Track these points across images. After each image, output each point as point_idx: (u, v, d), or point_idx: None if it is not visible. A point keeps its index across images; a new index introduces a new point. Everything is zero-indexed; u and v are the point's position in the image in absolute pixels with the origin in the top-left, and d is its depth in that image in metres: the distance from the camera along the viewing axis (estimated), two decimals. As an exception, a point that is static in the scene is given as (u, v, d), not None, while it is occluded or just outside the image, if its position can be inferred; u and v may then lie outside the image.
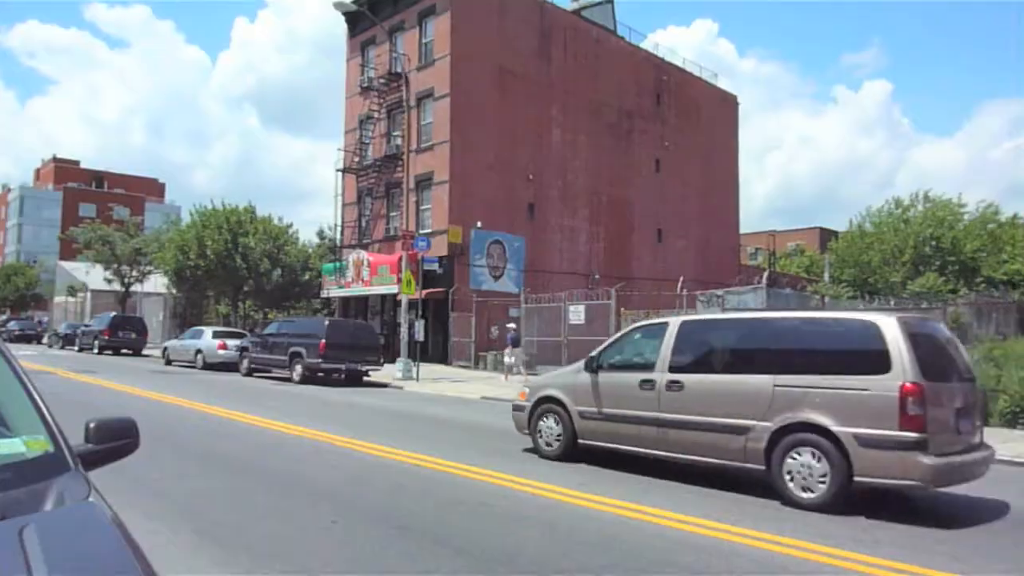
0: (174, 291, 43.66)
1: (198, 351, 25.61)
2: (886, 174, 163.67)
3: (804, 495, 6.57)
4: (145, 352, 33.47)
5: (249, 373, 22.63)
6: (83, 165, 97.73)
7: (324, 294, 35.36)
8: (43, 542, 1.82)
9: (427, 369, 22.96)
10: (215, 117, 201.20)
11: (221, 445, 9.52)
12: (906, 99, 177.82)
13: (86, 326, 36.44)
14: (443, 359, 27.68)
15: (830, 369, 6.73)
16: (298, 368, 20.39)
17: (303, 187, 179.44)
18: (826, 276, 42.17)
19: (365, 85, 33.18)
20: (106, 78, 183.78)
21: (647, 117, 38.25)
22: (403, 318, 22.14)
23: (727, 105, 44.62)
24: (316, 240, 47.46)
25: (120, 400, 14.37)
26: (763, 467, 6.89)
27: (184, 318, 43.44)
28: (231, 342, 25.00)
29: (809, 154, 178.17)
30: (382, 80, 31.88)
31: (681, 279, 24.04)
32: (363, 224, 33.52)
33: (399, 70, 30.74)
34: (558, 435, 8.75)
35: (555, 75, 33.49)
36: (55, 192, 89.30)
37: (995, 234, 38.88)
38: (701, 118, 41.61)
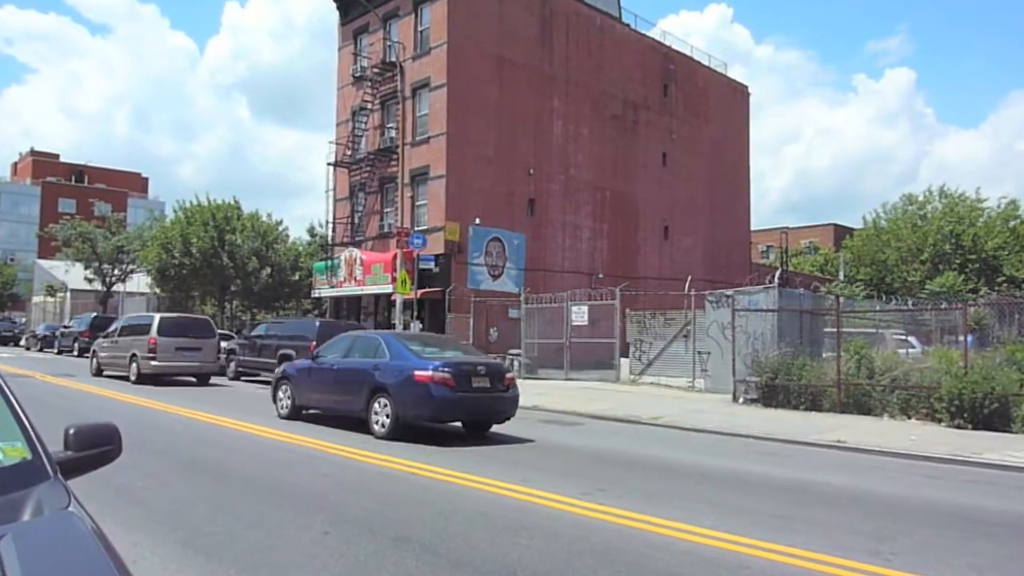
0: (158, 291, 43.30)
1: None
2: (908, 167, 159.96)
3: (133, 377, 18.96)
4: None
5: (236, 377, 22.20)
6: (63, 158, 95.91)
7: (315, 294, 34.44)
8: (20, 554, 1.78)
9: (424, 374, 21.82)
10: (203, 107, 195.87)
11: (206, 452, 9.35)
12: (930, 88, 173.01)
13: (66, 327, 35.87)
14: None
15: (141, 333, 19.23)
16: (288, 372, 19.58)
17: (295, 182, 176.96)
18: (841, 275, 41.08)
19: (358, 75, 31.93)
20: (87, 66, 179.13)
21: (653, 108, 37.00)
22: (398, 319, 21.90)
23: (738, 96, 43.49)
24: (307, 237, 46.71)
25: (101, 405, 14.31)
26: (128, 373, 19.22)
27: (168, 319, 42.13)
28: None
29: (828, 146, 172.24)
30: (376, 70, 30.61)
31: (689, 278, 23.22)
32: (356, 221, 32.24)
33: (394, 59, 29.82)
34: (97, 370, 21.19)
35: (557, 64, 32.31)
36: (33, 187, 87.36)
37: (1018, 231, 37.98)
38: (710, 109, 40.48)
